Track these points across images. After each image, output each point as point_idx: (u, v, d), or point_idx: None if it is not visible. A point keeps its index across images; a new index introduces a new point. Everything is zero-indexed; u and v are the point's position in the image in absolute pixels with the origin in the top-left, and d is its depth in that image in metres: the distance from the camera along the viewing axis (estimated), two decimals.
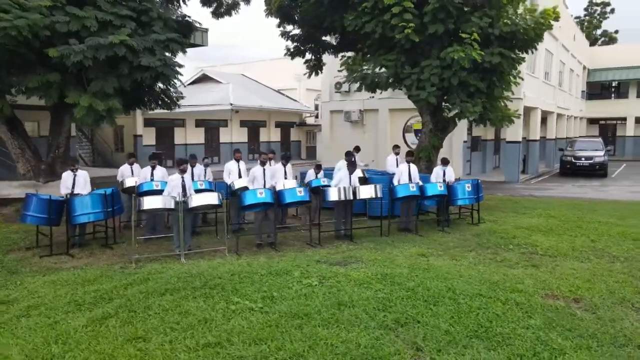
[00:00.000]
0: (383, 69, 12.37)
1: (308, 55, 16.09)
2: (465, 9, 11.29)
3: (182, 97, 13.57)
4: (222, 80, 31.10)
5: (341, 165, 10.48)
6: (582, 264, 7.31)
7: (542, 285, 6.18)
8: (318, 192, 9.47)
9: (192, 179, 9.22)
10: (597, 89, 36.32)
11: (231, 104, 26.32)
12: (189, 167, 9.36)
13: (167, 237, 8.98)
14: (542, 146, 24.21)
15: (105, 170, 20.82)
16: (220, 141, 28.23)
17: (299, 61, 36.13)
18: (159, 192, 8.54)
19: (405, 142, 21.48)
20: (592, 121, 36.59)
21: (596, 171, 20.14)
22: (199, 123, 26.90)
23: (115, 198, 8.65)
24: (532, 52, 12.93)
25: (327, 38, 15.86)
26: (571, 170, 20.43)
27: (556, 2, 21.72)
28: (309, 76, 16.62)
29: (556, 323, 4.93)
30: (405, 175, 9.67)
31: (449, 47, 11.13)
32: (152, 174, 9.08)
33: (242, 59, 65.37)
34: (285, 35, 15.58)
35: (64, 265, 7.31)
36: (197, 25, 13.10)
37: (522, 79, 13.31)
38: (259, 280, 6.25)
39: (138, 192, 8.68)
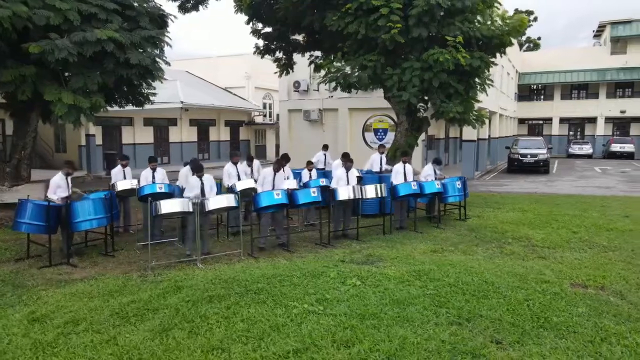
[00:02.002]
0: (361, 70, 12.55)
1: (278, 54, 15.95)
2: (444, 13, 11.73)
3: (155, 94, 12.98)
4: (167, 77, 29.86)
5: (337, 165, 10.56)
6: (581, 254, 7.90)
7: (562, 275, 6.62)
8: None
9: None
10: (526, 91, 39.02)
11: (182, 102, 25.44)
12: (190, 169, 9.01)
13: (163, 242, 8.61)
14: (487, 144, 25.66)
15: (47, 173, 19.34)
16: (170, 140, 27.17)
17: (246, 59, 35.63)
18: (164, 195, 8.17)
19: (365, 141, 21.92)
20: (521, 121, 39.27)
21: (540, 167, 21.71)
22: (147, 122, 25.71)
23: (114, 202, 8.13)
24: (502, 56, 13.69)
25: (294, 37, 15.80)
26: (518, 167, 21.86)
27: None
28: (280, 75, 16.48)
29: (600, 310, 5.32)
30: (401, 175, 9.90)
31: (430, 49, 11.53)
32: (153, 176, 8.61)
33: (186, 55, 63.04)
34: (256, 33, 15.36)
35: (72, 277, 6.77)
36: (172, 19, 12.56)
37: (492, 82, 14.06)
38: (299, 282, 6.17)
39: (139, 195, 8.23)
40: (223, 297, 5.65)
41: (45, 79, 9.47)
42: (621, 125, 36.98)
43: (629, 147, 32.19)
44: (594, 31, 41.45)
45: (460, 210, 11.03)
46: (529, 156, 21.68)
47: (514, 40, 13.53)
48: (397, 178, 9.79)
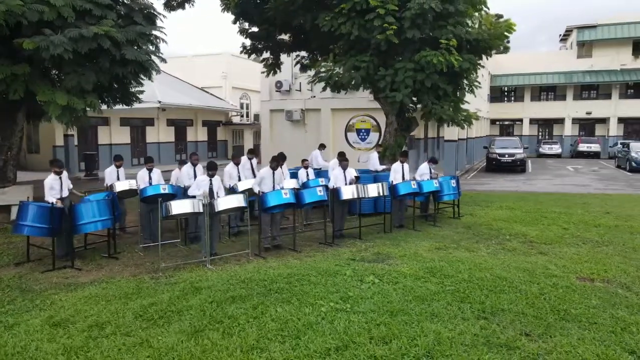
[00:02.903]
0: (354, 70, 12.64)
1: (265, 54, 15.90)
2: (436, 16, 11.95)
3: (142, 92, 12.72)
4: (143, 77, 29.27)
5: (334, 164, 10.60)
6: (578, 249, 8.19)
7: (566, 270, 6.85)
8: None
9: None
10: (498, 93, 40.05)
11: (159, 102, 24.98)
12: (191, 166, 8.90)
13: (165, 243, 8.46)
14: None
15: (19, 175, 18.63)
16: (147, 141, 26.63)
17: (223, 58, 35.18)
18: (168, 196, 8.06)
19: (347, 141, 22.05)
20: (492, 121, 40.26)
21: (517, 166, 22.38)
22: (123, 122, 25.13)
23: (115, 204, 7.93)
24: (487, 59, 14.03)
25: (281, 37, 15.78)
26: (496, 166, 22.46)
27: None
28: (267, 75, 16.42)
29: (612, 301, 5.56)
30: (399, 174, 10.04)
31: (421, 51, 11.72)
32: (150, 177, 8.43)
33: None
34: (244, 32, 15.27)
35: (79, 280, 6.59)
36: (162, 18, 12.34)
37: (480, 83, 14.39)
38: (317, 281, 6.20)
39: (142, 197, 8.07)
40: (246, 297, 5.62)
41: (36, 77, 9.16)
42: (587, 125, 38.42)
43: (595, 147, 33.53)
44: (560, 35, 42.93)
45: (454, 208, 11.26)
46: (506, 156, 22.31)
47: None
48: (396, 177, 9.92)
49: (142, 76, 10.46)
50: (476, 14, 12.69)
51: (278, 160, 8.55)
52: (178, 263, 7.34)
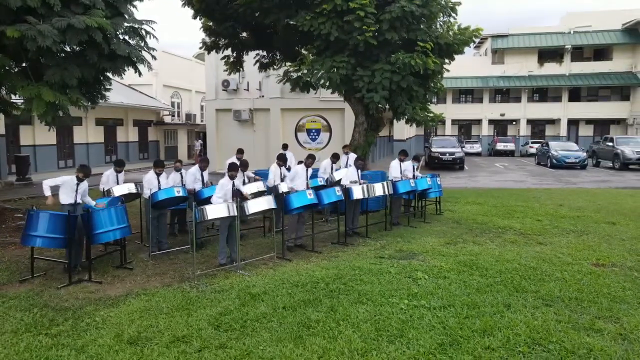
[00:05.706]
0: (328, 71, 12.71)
1: (227, 52, 15.43)
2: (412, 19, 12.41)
3: (110, 89, 11.83)
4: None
5: (326, 165, 10.63)
6: (567, 238, 8.96)
7: (575, 257, 7.49)
8: None
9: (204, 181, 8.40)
10: None
11: None
12: (199, 170, 8.46)
13: (170, 251, 8.00)
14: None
15: None
16: (75, 142, 24.56)
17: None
18: (180, 199, 7.61)
19: (298, 141, 22.03)
20: (419, 122, 42.35)
21: (457, 164, 23.85)
22: None
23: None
24: (450, 62, 14.79)
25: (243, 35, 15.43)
26: (438, 163, 23.72)
27: None
28: (229, 73, 15.92)
29: (639, 283, 6.21)
30: (398, 172, 10.32)
31: (397, 52, 12.11)
32: (158, 181, 7.86)
33: None
34: (207, 29, 14.70)
35: (109, 294, 6.00)
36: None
37: (443, 85, 15.13)
38: (369, 280, 6.23)
39: (153, 202, 7.51)
40: (314, 300, 5.51)
41: (9, 70, 8.16)
42: (500, 126, 41.85)
43: (510, 146, 36.77)
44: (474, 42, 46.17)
45: (436, 205, 11.77)
46: (447, 154, 23.68)
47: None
48: (395, 175, 10.20)
49: (129, 70, 9.71)
50: (446, 18, 13.33)
51: (313, 158, 8.69)
52: (208, 270, 6.94)
